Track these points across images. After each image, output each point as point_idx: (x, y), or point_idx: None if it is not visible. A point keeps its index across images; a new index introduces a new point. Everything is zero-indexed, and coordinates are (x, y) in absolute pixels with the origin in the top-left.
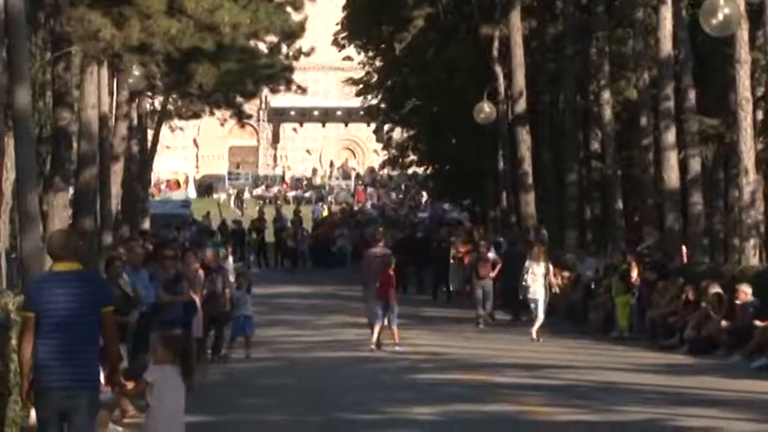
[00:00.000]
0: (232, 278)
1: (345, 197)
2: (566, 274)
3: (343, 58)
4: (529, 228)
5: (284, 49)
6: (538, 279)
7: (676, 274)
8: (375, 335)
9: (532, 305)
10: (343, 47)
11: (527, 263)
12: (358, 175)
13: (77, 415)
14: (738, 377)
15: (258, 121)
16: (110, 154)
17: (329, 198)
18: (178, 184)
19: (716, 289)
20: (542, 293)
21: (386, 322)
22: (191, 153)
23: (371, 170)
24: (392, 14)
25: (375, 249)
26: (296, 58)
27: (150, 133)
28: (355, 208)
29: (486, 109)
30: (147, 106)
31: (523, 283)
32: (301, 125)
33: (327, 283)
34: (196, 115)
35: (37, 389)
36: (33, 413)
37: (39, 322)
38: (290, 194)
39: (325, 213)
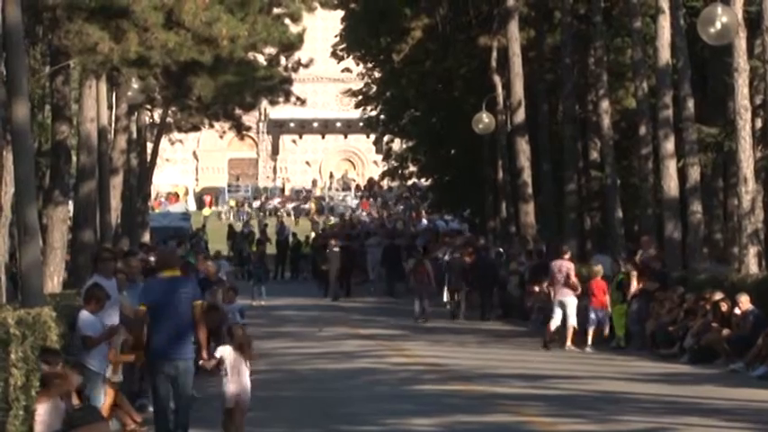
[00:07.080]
0: None
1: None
2: None
3: (342, 70)
4: (528, 238)
5: (283, 60)
6: None
7: (676, 283)
8: (550, 334)
9: None
10: (342, 58)
11: None
12: (358, 187)
13: (179, 379)
14: (739, 386)
15: (257, 133)
16: (109, 167)
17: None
18: (177, 197)
19: (718, 296)
20: None
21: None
22: (190, 166)
23: (373, 181)
24: (390, 26)
25: (562, 261)
26: (295, 69)
27: (149, 146)
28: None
29: (484, 119)
30: (146, 119)
31: None
32: (301, 137)
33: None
34: (195, 128)
35: (151, 360)
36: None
37: (151, 312)
38: (290, 206)
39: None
